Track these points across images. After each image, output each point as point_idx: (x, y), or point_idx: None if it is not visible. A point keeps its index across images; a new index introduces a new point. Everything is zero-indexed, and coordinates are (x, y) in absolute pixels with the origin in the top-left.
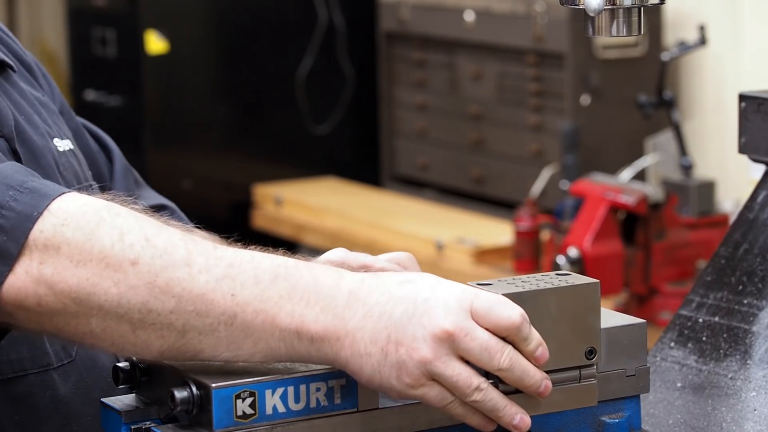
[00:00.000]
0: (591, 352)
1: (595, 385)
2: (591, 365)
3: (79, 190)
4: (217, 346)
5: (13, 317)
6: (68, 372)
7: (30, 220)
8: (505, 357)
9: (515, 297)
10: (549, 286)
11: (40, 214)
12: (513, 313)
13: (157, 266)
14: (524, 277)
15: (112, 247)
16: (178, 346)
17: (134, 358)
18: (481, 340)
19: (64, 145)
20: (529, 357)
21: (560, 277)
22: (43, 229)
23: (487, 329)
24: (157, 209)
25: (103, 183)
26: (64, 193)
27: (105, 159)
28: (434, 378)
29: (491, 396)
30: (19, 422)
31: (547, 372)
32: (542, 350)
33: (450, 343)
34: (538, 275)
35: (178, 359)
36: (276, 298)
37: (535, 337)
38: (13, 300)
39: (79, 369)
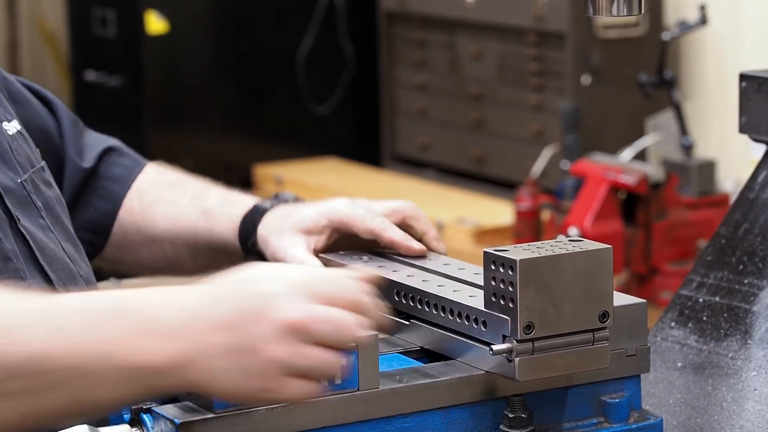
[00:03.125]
0: (604, 315)
1: (608, 347)
2: (604, 328)
3: (32, 173)
4: (71, 402)
5: None
6: None
7: None
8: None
9: (532, 262)
10: (564, 251)
11: None
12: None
13: None
14: (539, 243)
15: None
16: (34, 410)
17: None
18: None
19: (11, 127)
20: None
21: (573, 243)
22: None
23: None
24: (106, 152)
25: (52, 140)
26: None
27: (50, 114)
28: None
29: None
30: None
31: (562, 335)
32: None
33: (302, 334)
34: (551, 241)
35: (42, 427)
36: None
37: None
38: None
39: None
